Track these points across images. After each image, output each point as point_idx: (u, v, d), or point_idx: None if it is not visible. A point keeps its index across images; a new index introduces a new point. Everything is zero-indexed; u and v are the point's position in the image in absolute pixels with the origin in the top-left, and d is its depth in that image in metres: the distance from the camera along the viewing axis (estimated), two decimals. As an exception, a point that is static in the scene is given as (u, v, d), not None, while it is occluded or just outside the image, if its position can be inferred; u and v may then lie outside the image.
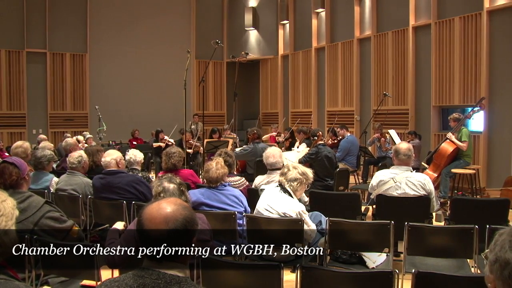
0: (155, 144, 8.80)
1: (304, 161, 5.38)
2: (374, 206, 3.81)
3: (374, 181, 3.66)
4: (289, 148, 8.12)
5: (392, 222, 2.80)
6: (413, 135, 7.22)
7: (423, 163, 6.22)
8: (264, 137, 8.98)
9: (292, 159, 5.84)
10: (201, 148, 8.10)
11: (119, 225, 2.60)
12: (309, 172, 3.16)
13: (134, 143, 9.99)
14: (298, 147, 7.25)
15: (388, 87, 8.45)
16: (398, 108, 8.35)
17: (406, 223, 2.78)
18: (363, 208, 3.88)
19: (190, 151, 7.29)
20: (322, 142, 5.85)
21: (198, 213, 1.87)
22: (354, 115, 9.42)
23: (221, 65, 13.05)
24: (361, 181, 7.33)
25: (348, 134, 7.29)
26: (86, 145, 7.33)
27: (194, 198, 3.21)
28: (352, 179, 6.68)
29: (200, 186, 3.80)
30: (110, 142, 10.27)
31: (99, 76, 11.40)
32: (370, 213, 4.00)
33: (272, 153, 4.10)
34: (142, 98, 11.79)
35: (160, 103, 11.93)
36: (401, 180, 3.47)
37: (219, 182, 3.31)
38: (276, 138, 9.00)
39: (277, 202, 3.03)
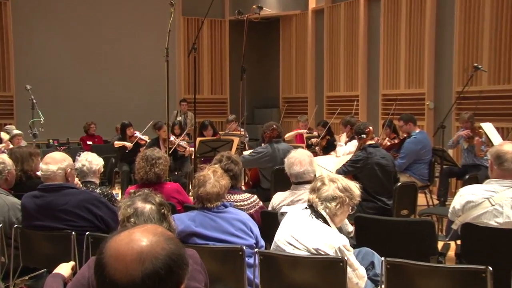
0: (117, 143, 8.66)
1: (344, 171, 5.41)
2: (458, 242, 3.80)
3: (458, 202, 3.64)
4: (326, 151, 8.12)
5: (490, 268, 2.76)
6: None
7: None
8: (288, 136, 8.99)
9: (329, 167, 5.84)
10: (190, 149, 8.15)
11: (64, 269, 2.61)
12: (355, 188, 3.18)
13: (89, 142, 10.09)
14: (346, 144, 7.23)
15: (482, 57, 8.36)
16: (499, 89, 8.24)
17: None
18: (440, 244, 3.87)
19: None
20: (374, 142, 5.83)
21: (188, 249, 1.87)
22: (424, 101, 9.38)
23: (222, 25, 13.15)
24: (436, 201, 7.31)
25: (417, 130, 7.25)
26: (11, 145, 7.41)
27: (182, 225, 3.25)
28: (422, 199, 6.68)
29: (190, 207, 3.81)
30: (51, 141, 10.37)
31: (31, 39, 11.17)
32: (452, 252, 4.00)
33: (299, 159, 4.13)
34: (101, 76, 11.84)
35: (129, 84, 12.06)
36: (504, 202, 3.43)
37: (219, 201, 3.34)
38: (309, 138, 8.96)
39: (306, 232, 3.04)
